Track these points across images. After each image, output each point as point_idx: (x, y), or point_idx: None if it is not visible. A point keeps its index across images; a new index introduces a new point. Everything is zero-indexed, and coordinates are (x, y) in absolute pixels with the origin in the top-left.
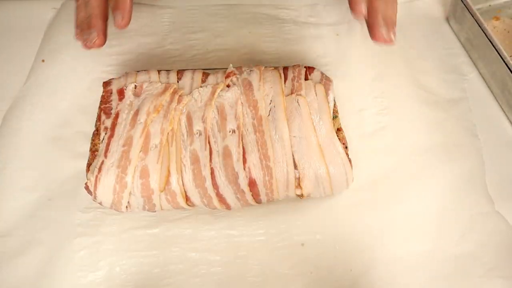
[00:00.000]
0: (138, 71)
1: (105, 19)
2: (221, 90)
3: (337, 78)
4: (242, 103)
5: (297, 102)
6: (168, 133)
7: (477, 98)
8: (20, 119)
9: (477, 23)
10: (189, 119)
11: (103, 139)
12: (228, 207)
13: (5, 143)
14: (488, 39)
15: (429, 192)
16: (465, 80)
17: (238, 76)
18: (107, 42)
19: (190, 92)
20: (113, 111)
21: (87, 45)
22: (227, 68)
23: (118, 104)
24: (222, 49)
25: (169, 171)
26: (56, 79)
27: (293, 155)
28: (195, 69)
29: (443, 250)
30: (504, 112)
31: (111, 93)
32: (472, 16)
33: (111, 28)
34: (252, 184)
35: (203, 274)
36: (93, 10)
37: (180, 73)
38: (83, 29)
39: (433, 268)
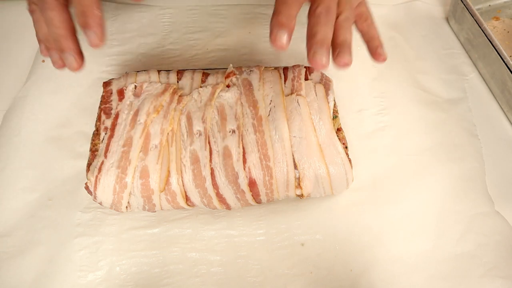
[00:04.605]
0: (138, 71)
1: (75, 36)
2: (221, 90)
3: (337, 78)
4: (242, 103)
5: (297, 102)
6: (168, 134)
7: (477, 98)
8: (20, 119)
9: (477, 23)
10: (189, 119)
11: (103, 139)
12: (228, 207)
13: (5, 143)
14: (488, 39)
15: (429, 192)
16: (465, 80)
17: (238, 76)
18: (107, 42)
19: (190, 92)
20: (113, 111)
21: (60, 66)
22: (227, 68)
23: (118, 104)
24: (222, 49)
25: (169, 171)
26: (56, 79)
27: (293, 155)
28: (195, 69)
29: (443, 250)
30: (504, 112)
31: (111, 93)
32: (472, 16)
33: (110, 29)
34: (252, 184)
35: (203, 274)
36: (58, 30)
37: (180, 73)
38: (50, 48)
39: (433, 268)
